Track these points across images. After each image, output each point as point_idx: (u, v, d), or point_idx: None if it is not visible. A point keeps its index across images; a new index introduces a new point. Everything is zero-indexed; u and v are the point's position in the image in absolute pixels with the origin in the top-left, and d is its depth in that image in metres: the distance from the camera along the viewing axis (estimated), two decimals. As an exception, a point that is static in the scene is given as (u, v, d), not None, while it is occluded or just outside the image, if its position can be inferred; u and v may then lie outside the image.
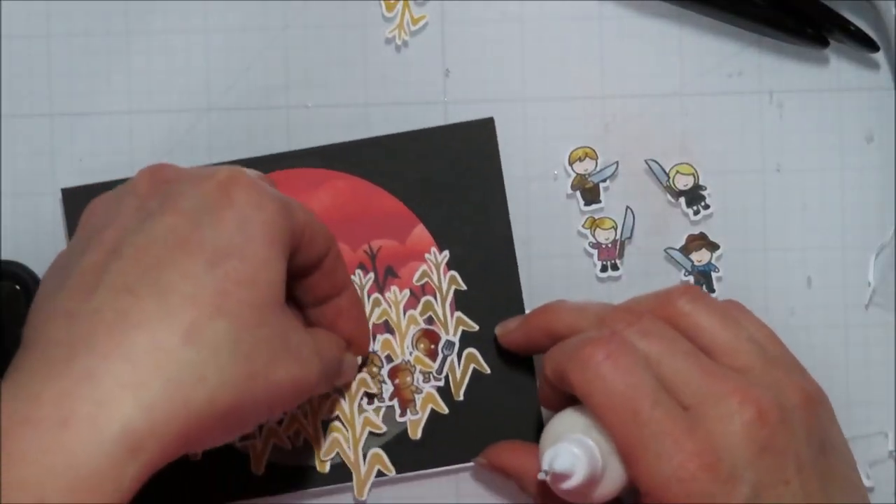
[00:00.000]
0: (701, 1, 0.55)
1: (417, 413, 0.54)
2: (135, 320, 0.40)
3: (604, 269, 0.55)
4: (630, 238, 0.55)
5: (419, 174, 0.55)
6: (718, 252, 0.55)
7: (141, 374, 0.40)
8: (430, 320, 0.54)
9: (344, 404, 0.54)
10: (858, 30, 0.54)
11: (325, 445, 0.54)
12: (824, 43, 0.55)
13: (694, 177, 0.55)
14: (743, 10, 0.55)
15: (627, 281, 0.55)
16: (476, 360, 0.54)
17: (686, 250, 0.55)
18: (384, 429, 0.54)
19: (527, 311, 0.54)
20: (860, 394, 0.55)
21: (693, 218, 0.55)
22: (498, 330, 0.53)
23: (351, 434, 0.54)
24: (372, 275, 0.54)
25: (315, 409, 0.54)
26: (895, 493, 0.55)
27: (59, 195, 0.55)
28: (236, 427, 0.43)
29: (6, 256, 0.54)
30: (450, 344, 0.54)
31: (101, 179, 0.55)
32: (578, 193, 0.55)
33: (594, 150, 0.55)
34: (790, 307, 0.55)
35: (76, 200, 0.54)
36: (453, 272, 0.55)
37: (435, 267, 0.55)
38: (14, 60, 0.56)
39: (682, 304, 0.47)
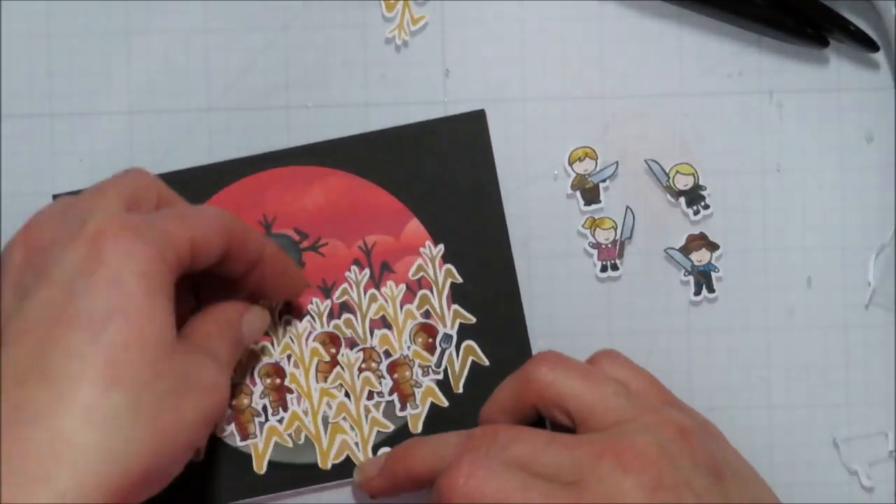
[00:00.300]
0: (701, 1, 0.55)
1: (417, 407, 0.54)
2: (31, 413, 0.40)
3: (604, 269, 0.55)
4: (630, 238, 0.55)
5: (412, 169, 0.55)
6: (718, 252, 0.55)
7: (47, 467, 0.39)
8: (427, 314, 0.54)
9: (350, 405, 0.54)
10: (858, 30, 0.54)
11: (335, 448, 0.54)
12: (824, 43, 0.55)
13: (694, 177, 0.55)
14: (743, 10, 0.55)
15: (627, 281, 0.55)
16: (474, 352, 0.54)
17: (686, 250, 0.55)
18: (392, 427, 0.54)
19: (524, 305, 0.54)
20: (860, 394, 0.55)
21: (693, 218, 0.55)
22: (357, 477, 0.52)
23: (359, 435, 0.54)
24: (367, 270, 0.55)
25: (315, 410, 0.54)
26: (895, 493, 0.55)
27: (59, 195, 0.55)
28: (161, 480, 0.43)
29: (6, 256, 0.54)
30: (447, 337, 0.54)
31: (101, 180, 0.55)
32: (578, 193, 0.55)
33: (594, 150, 0.55)
34: (790, 307, 0.55)
35: None
36: (449, 265, 0.55)
37: (430, 261, 0.55)
38: (14, 60, 0.56)
39: (543, 373, 0.47)
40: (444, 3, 0.56)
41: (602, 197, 0.55)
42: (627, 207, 0.55)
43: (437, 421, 0.54)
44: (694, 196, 0.55)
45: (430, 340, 0.54)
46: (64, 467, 0.39)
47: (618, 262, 0.55)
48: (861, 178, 0.56)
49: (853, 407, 0.55)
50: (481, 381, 0.54)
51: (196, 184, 0.54)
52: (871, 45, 0.54)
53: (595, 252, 0.55)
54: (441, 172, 0.55)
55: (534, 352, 0.54)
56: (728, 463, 0.46)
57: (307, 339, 0.54)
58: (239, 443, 0.54)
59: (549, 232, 0.55)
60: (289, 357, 0.54)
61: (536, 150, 0.56)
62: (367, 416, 0.54)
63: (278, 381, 0.54)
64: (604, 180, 0.55)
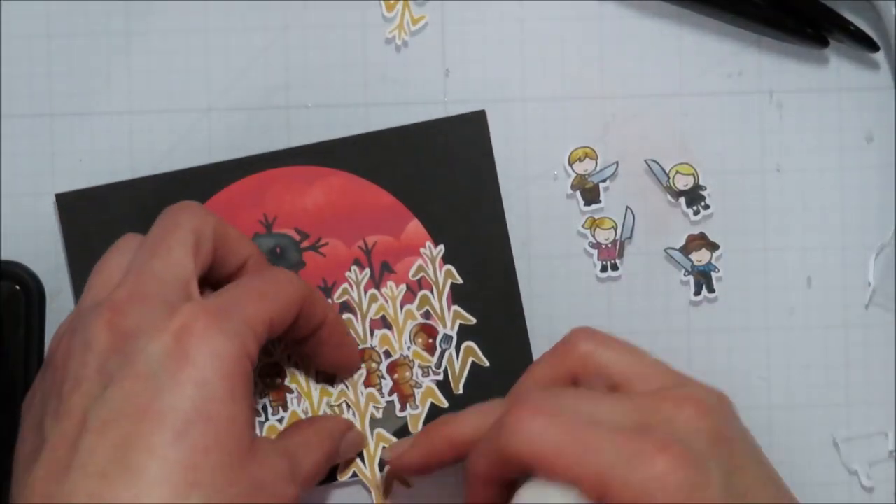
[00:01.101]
0: (701, 1, 0.55)
1: (417, 408, 0.54)
2: None
3: (604, 269, 0.55)
4: (630, 238, 0.55)
5: (412, 169, 0.55)
6: (718, 252, 0.55)
7: None
8: (427, 315, 0.54)
9: (355, 420, 0.54)
10: (858, 30, 0.54)
11: (340, 470, 0.53)
12: (824, 43, 0.55)
13: (694, 177, 0.55)
14: (743, 10, 0.55)
15: (627, 281, 0.55)
16: (474, 353, 0.54)
17: (686, 250, 0.55)
18: (395, 440, 0.53)
19: (524, 305, 0.54)
20: (860, 394, 0.55)
21: (693, 218, 0.55)
22: (387, 455, 0.52)
23: (366, 452, 0.53)
24: (368, 271, 0.55)
25: (315, 410, 0.54)
26: (895, 493, 0.55)
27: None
28: None
29: (6, 256, 0.54)
30: (448, 338, 0.54)
31: (101, 180, 0.55)
32: (578, 193, 0.55)
33: (594, 150, 0.55)
34: (790, 307, 0.55)
35: (71, 205, 0.54)
36: (449, 266, 0.55)
37: (430, 261, 0.55)
38: (14, 60, 0.56)
39: (581, 345, 0.47)
40: (444, 3, 0.56)
41: (602, 197, 0.55)
42: (627, 207, 0.55)
43: None
44: (694, 196, 0.55)
45: (431, 341, 0.54)
46: None
47: (618, 262, 0.55)
48: (861, 178, 0.56)
49: (853, 407, 0.55)
50: (481, 382, 0.54)
51: (196, 184, 0.54)
52: (871, 45, 0.54)
53: (595, 252, 0.55)
54: (442, 173, 0.55)
55: (534, 352, 0.54)
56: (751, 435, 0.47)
57: (307, 339, 0.54)
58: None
59: (549, 232, 0.55)
60: (289, 357, 0.54)
61: (536, 150, 0.56)
62: (372, 432, 0.53)
63: (278, 380, 0.54)
64: (604, 180, 0.55)
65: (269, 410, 0.54)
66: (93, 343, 0.45)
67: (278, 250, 0.54)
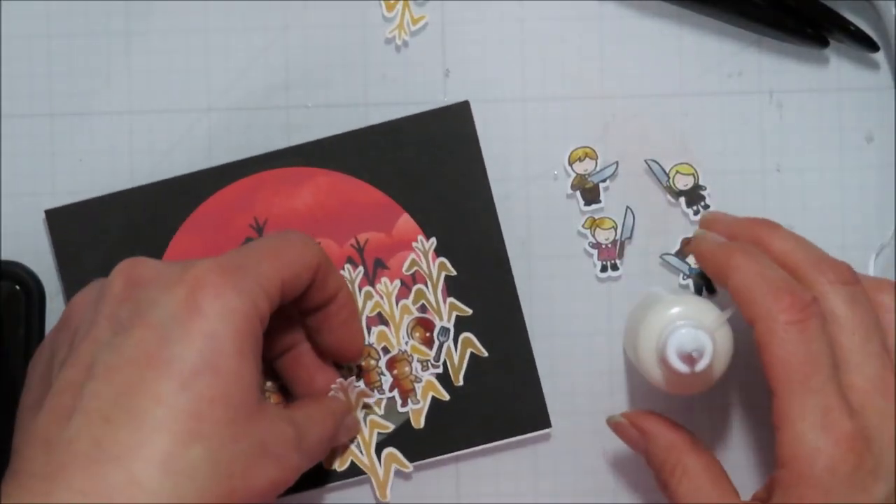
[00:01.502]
0: (701, 1, 0.55)
1: (419, 402, 0.54)
2: (110, 452, 0.41)
3: (604, 269, 0.55)
4: (630, 238, 0.55)
5: (399, 164, 0.55)
6: (718, 252, 0.55)
7: None
8: (423, 308, 0.55)
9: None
10: (858, 30, 0.54)
11: (338, 456, 0.53)
12: (824, 43, 0.55)
13: (694, 177, 0.55)
14: (743, 10, 0.54)
15: (627, 281, 0.55)
16: (472, 343, 0.54)
17: (683, 253, 0.55)
18: (391, 427, 0.54)
19: (520, 297, 0.54)
20: (860, 394, 0.55)
21: (693, 218, 0.55)
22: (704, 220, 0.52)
23: (360, 438, 0.54)
24: (361, 268, 0.55)
25: None
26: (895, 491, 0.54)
27: (58, 195, 0.55)
28: None
29: (6, 256, 0.54)
30: (445, 330, 0.54)
31: (101, 180, 0.55)
32: (578, 193, 0.55)
33: (594, 150, 0.55)
34: (790, 307, 0.55)
35: (61, 220, 0.54)
36: (442, 258, 0.55)
37: (423, 255, 0.55)
38: (14, 60, 0.56)
39: (886, 300, 0.47)
40: (444, 3, 0.56)
41: (602, 197, 0.55)
42: (627, 207, 0.55)
43: (440, 415, 0.54)
44: (694, 196, 0.55)
45: (428, 334, 0.54)
46: None
47: (618, 262, 0.55)
48: (861, 178, 0.56)
49: (853, 407, 0.55)
50: (481, 373, 0.54)
51: (185, 192, 0.54)
52: (871, 45, 0.54)
53: (595, 252, 0.55)
54: (429, 166, 0.55)
55: (533, 345, 0.54)
56: None
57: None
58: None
59: (549, 232, 0.55)
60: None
61: (536, 150, 0.56)
62: (366, 419, 0.54)
63: (279, 381, 0.54)
64: (604, 180, 0.55)
65: None
66: (107, 292, 0.45)
67: (271, 253, 0.54)
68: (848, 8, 0.55)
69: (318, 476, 0.53)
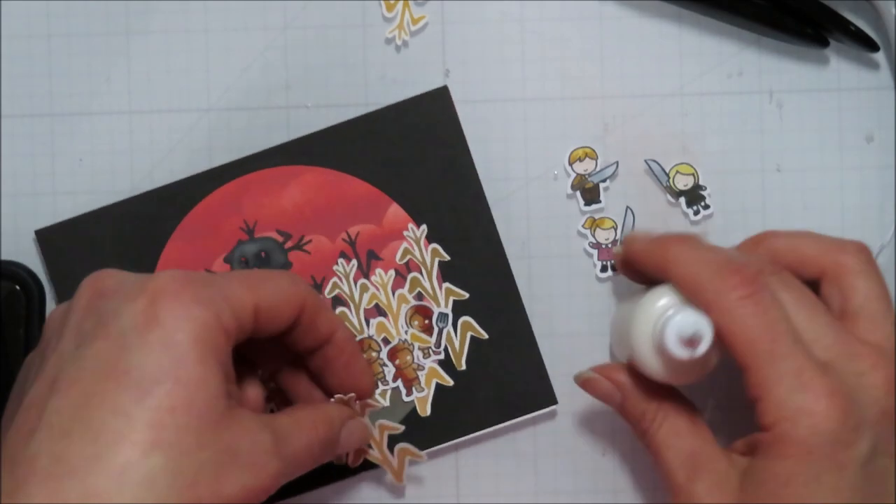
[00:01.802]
0: (701, 1, 0.55)
1: (423, 390, 0.54)
2: (68, 466, 0.41)
3: (604, 269, 0.55)
4: (630, 238, 0.55)
5: (383, 154, 0.55)
6: (718, 252, 0.55)
7: None
8: (419, 296, 0.55)
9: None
10: (858, 30, 0.54)
11: (351, 455, 0.53)
12: (824, 43, 0.55)
13: (694, 177, 0.55)
14: (743, 10, 0.54)
15: (627, 281, 0.55)
16: (472, 327, 0.54)
17: (617, 272, 0.55)
18: (401, 428, 0.53)
19: (516, 280, 0.54)
20: (860, 394, 0.55)
21: (693, 218, 0.55)
22: (619, 248, 0.52)
23: (371, 440, 0.53)
24: (355, 261, 0.55)
25: None
26: (895, 492, 0.54)
27: (58, 195, 0.55)
28: None
29: (6, 256, 0.54)
30: (443, 316, 0.54)
31: (101, 180, 0.55)
32: (578, 193, 0.55)
33: (594, 150, 0.55)
34: (790, 307, 0.55)
35: (52, 239, 0.54)
36: (434, 244, 0.55)
37: (415, 242, 0.55)
38: (14, 60, 0.56)
39: (853, 261, 0.48)
40: (444, 3, 0.56)
41: (602, 197, 0.55)
42: (627, 207, 0.55)
43: (445, 401, 0.54)
44: (694, 196, 0.55)
45: (427, 322, 0.54)
46: None
47: (618, 262, 0.55)
48: (861, 178, 0.56)
49: (853, 407, 0.55)
50: (483, 355, 0.54)
51: (172, 201, 0.54)
52: (871, 45, 0.54)
53: (595, 252, 0.55)
54: (413, 154, 0.55)
55: (534, 329, 0.54)
56: None
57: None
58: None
59: (549, 232, 0.55)
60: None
61: (536, 150, 0.56)
62: (374, 422, 0.53)
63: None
64: (604, 180, 0.55)
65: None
66: (74, 305, 0.45)
67: (263, 254, 0.54)
68: (848, 8, 0.55)
69: (331, 473, 0.53)
